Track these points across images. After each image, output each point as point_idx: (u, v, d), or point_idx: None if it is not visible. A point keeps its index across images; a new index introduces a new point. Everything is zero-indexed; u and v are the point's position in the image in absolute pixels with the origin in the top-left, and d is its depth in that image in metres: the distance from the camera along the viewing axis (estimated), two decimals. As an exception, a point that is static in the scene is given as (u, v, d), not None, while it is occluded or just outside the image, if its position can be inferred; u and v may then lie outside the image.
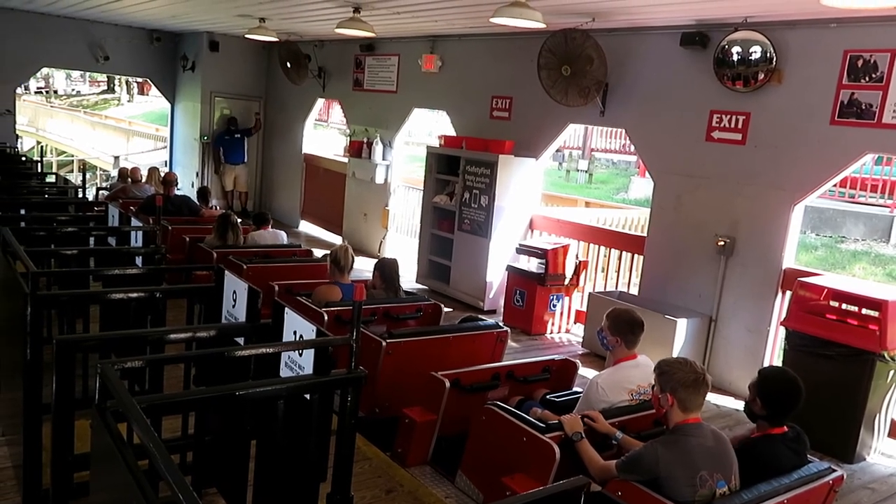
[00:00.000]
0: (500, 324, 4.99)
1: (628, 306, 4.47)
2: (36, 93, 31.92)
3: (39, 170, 8.93)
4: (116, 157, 11.57)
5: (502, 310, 7.70)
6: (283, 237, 7.60)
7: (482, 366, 4.33)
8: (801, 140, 5.68)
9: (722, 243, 6.12)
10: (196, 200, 9.07)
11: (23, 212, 5.52)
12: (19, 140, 11.74)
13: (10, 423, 3.68)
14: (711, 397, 5.96)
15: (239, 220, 7.07)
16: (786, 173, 5.78)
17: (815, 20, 5.49)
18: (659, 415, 3.16)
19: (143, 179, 10.25)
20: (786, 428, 3.25)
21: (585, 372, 6.28)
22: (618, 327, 3.81)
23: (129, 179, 9.96)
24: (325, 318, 4.54)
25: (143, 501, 1.66)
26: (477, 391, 4.09)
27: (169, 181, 9.00)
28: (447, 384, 3.96)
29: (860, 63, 5.30)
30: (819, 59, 5.54)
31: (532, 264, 7.46)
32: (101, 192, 6.58)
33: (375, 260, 9.95)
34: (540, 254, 7.28)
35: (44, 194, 6.92)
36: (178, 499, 1.53)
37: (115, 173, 11.23)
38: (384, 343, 4.32)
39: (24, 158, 9.80)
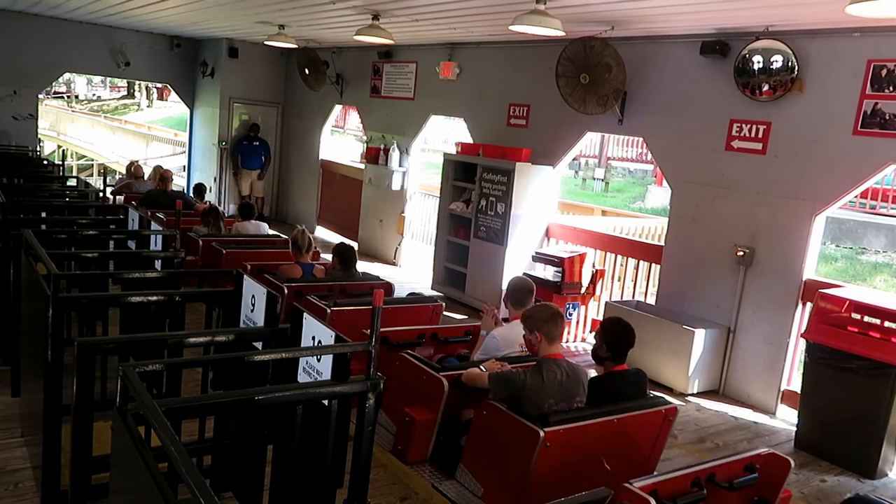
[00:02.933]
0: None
1: (523, 277, 5.19)
2: (56, 97, 32.33)
3: (61, 173, 9.05)
4: (130, 163, 12.03)
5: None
6: (265, 228, 8.20)
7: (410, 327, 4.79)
8: (822, 150, 5.62)
9: (741, 253, 6.06)
10: (193, 196, 9.66)
11: (44, 214, 5.58)
12: (41, 144, 11.88)
13: (29, 425, 3.71)
14: (729, 409, 5.90)
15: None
16: (807, 184, 5.72)
17: (837, 29, 5.44)
18: (533, 353, 3.86)
19: (146, 176, 10.52)
20: (626, 367, 3.86)
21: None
22: (514, 296, 4.54)
23: (134, 175, 10.37)
24: (286, 290, 5.14)
25: (163, 504, 1.66)
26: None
27: (165, 177, 9.29)
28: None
29: (884, 73, 5.24)
30: (842, 68, 5.49)
31: (548, 272, 7.42)
32: (107, 187, 6.98)
33: (389, 266, 10.02)
34: (556, 262, 7.24)
35: (65, 197, 7.00)
36: (199, 502, 1.53)
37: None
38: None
39: (45, 162, 9.94)
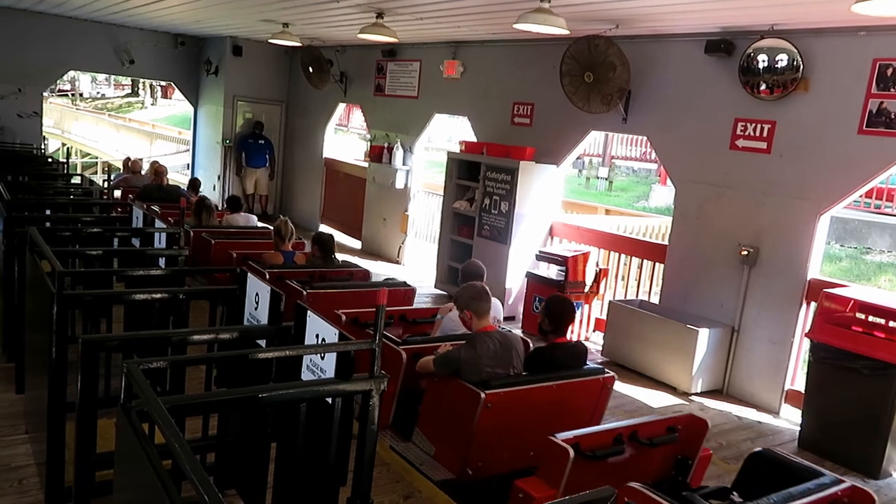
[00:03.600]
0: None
1: (472, 263, 5.65)
2: (60, 95, 32.40)
3: (65, 171, 9.07)
4: (126, 158, 12.42)
5: (521, 317, 7.67)
6: (253, 220, 8.59)
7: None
8: (827, 149, 5.61)
9: (745, 253, 6.05)
10: (187, 190, 9.92)
11: (48, 212, 5.59)
12: (45, 142, 11.91)
13: (34, 421, 3.72)
14: (733, 409, 5.89)
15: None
16: (812, 183, 5.71)
17: (843, 28, 5.42)
18: (468, 328, 4.18)
19: (143, 171, 10.92)
20: (567, 339, 4.21)
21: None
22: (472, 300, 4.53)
23: (131, 170, 10.79)
24: (267, 276, 5.27)
25: (167, 501, 1.66)
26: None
27: (159, 172, 9.64)
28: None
29: (889, 72, 5.22)
30: (847, 67, 5.47)
31: (552, 271, 7.42)
32: (106, 182, 7.34)
33: (393, 265, 10.02)
34: (560, 261, 7.24)
35: (69, 195, 7.02)
36: (203, 499, 1.53)
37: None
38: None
39: (49, 160, 9.96)
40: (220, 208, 9.41)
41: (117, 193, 9.07)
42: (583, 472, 3.12)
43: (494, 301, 4.46)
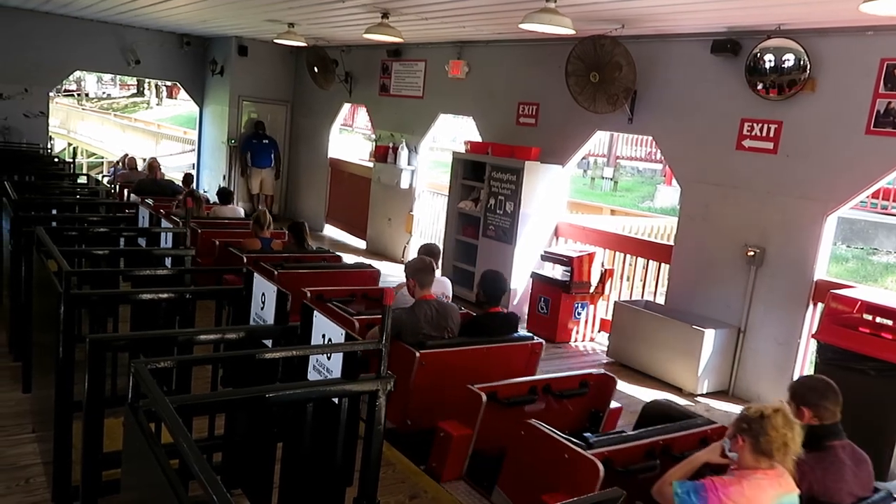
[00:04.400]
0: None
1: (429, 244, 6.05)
2: (66, 95, 32.51)
3: (71, 171, 9.10)
4: (124, 155, 12.98)
5: (526, 317, 7.66)
6: (240, 212, 9.02)
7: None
8: (834, 150, 5.58)
9: (751, 253, 6.03)
10: (182, 185, 10.33)
11: (54, 212, 5.61)
12: (51, 141, 11.96)
13: (41, 420, 3.73)
14: (738, 410, 5.84)
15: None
16: (818, 183, 5.69)
17: (850, 28, 5.40)
18: (413, 296, 4.58)
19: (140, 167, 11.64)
20: (500, 309, 4.70)
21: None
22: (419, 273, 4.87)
23: (128, 167, 11.57)
24: (245, 259, 5.87)
25: (174, 500, 1.66)
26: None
27: (153, 166, 10.42)
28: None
29: (897, 72, 5.20)
30: (854, 67, 5.44)
31: (557, 272, 7.41)
32: (104, 177, 7.72)
33: (398, 265, 10.02)
34: (565, 261, 7.22)
35: (75, 195, 7.04)
36: (212, 499, 1.53)
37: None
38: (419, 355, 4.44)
39: (56, 160, 9.99)
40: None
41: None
42: (499, 419, 3.68)
43: (444, 279, 5.56)
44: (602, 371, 4.33)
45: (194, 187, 10.29)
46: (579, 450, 3.09)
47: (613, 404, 4.28)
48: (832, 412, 3.03)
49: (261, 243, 6.64)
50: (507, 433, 3.49)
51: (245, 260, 5.80)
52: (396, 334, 4.27)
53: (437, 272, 5.31)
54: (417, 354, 4.14)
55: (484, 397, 3.63)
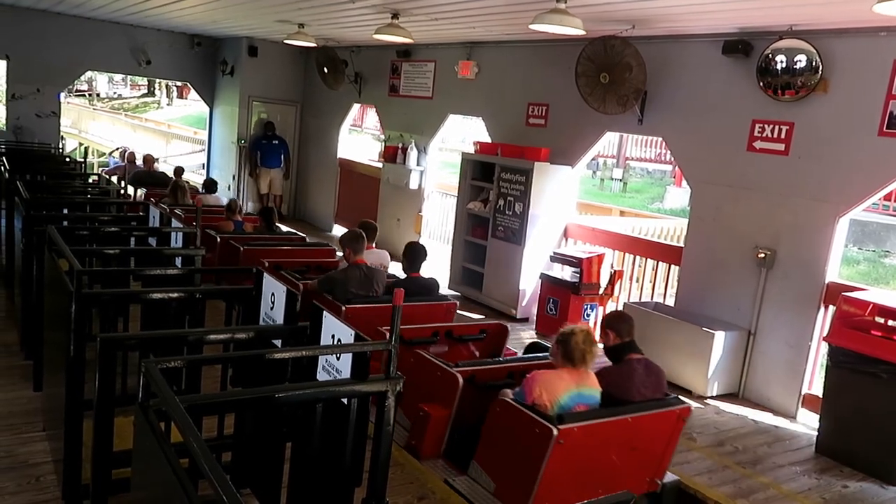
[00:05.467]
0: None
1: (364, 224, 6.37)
2: (78, 95, 32.71)
3: (82, 170, 9.15)
4: (123, 149, 13.98)
5: (535, 318, 7.65)
6: (223, 200, 9.56)
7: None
8: (847, 151, 5.54)
9: (762, 255, 5.99)
10: (172, 176, 10.86)
11: (65, 211, 5.64)
12: (63, 141, 12.04)
13: (51, 419, 3.75)
14: (749, 412, 5.83)
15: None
16: (830, 185, 5.65)
17: (863, 28, 5.35)
18: (348, 261, 5.48)
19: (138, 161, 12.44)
20: (419, 275, 5.60)
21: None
22: (351, 241, 5.60)
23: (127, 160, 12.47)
24: (219, 240, 6.62)
25: (184, 499, 1.66)
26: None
27: (149, 161, 11.41)
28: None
29: (911, 73, 5.16)
30: (867, 68, 5.40)
31: (566, 273, 7.39)
32: (102, 170, 8.35)
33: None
34: (574, 262, 7.21)
35: (86, 194, 7.07)
36: (222, 498, 1.53)
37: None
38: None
39: (67, 159, 10.04)
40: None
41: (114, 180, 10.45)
42: (405, 358, 4.09)
43: (383, 252, 6.56)
44: (498, 322, 5.33)
45: (183, 178, 10.86)
46: (447, 368, 3.99)
47: (508, 348, 5.14)
48: (629, 334, 4.07)
49: (234, 225, 7.57)
50: (406, 368, 3.83)
51: (219, 240, 6.55)
52: (329, 291, 5.21)
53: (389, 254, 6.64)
54: (343, 308, 4.97)
55: (388, 335, 3.92)
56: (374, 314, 4.84)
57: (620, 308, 7.10)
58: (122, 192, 7.45)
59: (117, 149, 17.09)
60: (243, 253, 6.49)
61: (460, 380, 4.01)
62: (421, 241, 6.28)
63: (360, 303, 5.14)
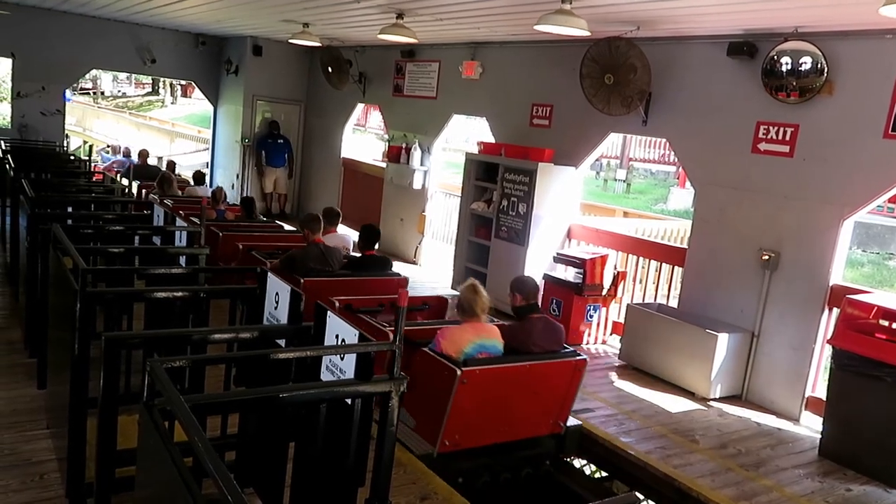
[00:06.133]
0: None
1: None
2: (82, 93, 32.76)
3: (87, 169, 9.16)
4: (118, 145, 14.62)
5: (538, 319, 7.63)
6: (209, 192, 9.90)
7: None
8: (852, 154, 5.53)
9: (766, 257, 5.98)
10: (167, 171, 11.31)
11: (70, 209, 5.64)
12: (67, 139, 12.08)
13: (55, 417, 3.76)
14: (752, 415, 5.82)
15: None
16: (835, 187, 5.63)
17: (869, 31, 5.34)
18: (307, 241, 6.10)
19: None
20: (375, 252, 6.34)
21: (622, 385, 6.21)
22: (308, 223, 6.27)
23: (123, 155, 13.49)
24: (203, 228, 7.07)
25: (188, 498, 1.66)
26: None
27: (143, 155, 12.12)
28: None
29: (916, 75, 5.14)
30: (873, 70, 5.39)
31: (569, 273, 7.38)
32: (92, 162, 9.60)
33: (410, 265, 10.03)
34: (578, 263, 7.20)
35: (90, 193, 7.08)
36: (226, 497, 1.53)
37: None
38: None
39: (72, 157, 10.06)
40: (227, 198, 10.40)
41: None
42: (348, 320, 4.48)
43: (346, 236, 7.26)
44: (439, 296, 5.97)
45: (174, 172, 11.59)
46: (382, 328, 4.76)
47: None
48: (533, 296, 4.69)
49: (216, 213, 8.22)
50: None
51: (203, 229, 7.09)
52: (290, 266, 5.74)
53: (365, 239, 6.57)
54: (302, 281, 5.49)
55: (337, 304, 4.81)
56: (329, 286, 5.53)
57: (624, 309, 7.11)
58: (127, 190, 7.51)
59: (109, 146, 17.97)
60: (222, 238, 6.98)
61: (391, 336, 4.50)
62: (373, 224, 6.95)
63: (316, 276, 5.74)
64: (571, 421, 4.83)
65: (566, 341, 7.03)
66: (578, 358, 4.59)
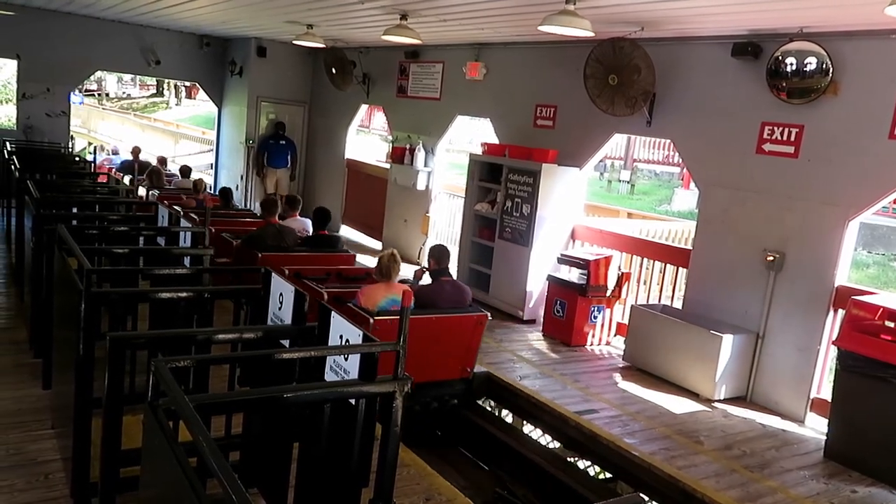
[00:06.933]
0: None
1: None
2: (87, 95, 32.84)
3: (91, 170, 9.19)
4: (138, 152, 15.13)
5: (542, 320, 7.63)
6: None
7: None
8: (857, 154, 5.52)
9: (771, 258, 5.97)
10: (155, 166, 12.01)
11: (75, 210, 5.66)
12: (72, 141, 12.12)
13: (60, 417, 3.77)
14: (756, 416, 5.81)
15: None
16: (840, 188, 5.62)
17: (875, 31, 5.33)
18: (267, 222, 7.05)
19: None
20: (326, 232, 7.26)
21: (626, 385, 6.20)
22: (266, 207, 7.38)
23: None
24: (182, 212, 7.27)
25: (193, 498, 1.67)
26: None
27: (135, 152, 12.46)
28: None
29: (922, 76, 5.13)
30: (878, 71, 5.38)
31: (573, 275, 7.37)
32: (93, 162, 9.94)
33: (414, 266, 10.02)
34: (582, 264, 7.19)
35: (95, 193, 7.11)
36: (231, 497, 1.54)
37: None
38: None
39: (77, 158, 10.09)
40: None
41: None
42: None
43: (305, 220, 7.87)
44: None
45: (164, 166, 12.25)
46: (317, 289, 5.47)
47: None
48: (444, 262, 5.66)
49: (196, 203, 8.78)
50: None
51: (182, 212, 7.64)
52: (251, 244, 6.59)
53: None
54: (259, 255, 6.26)
55: (287, 271, 5.47)
56: (283, 259, 6.28)
57: (628, 310, 7.10)
58: (134, 192, 7.74)
59: (98, 146, 19.30)
60: (198, 222, 7.77)
61: (325, 295, 5.43)
62: (325, 206, 7.91)
63: (272, 251, 6.51)
64: (478, 368, 5.74)
65: (571, 342, 7.37)
66: (480, 313, 5.45)
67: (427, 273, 5.92)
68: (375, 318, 4.88)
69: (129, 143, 17.84)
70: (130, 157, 12.64)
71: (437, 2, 6.65)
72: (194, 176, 11.10)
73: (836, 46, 5.52)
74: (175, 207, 7.69)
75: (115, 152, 15.07)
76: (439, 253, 5.71)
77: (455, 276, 8.90)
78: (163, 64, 12.22)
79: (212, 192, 11.43)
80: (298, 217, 8.01)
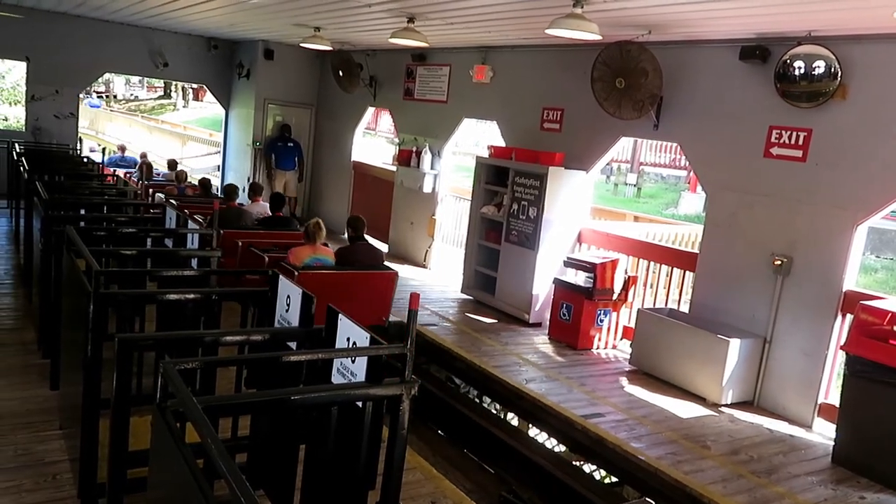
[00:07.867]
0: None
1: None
2: (97, 97, 33.00)
3: (99, 171, 9.22)
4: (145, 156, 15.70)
5: (548, 323, 7.62)
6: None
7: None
8: (865, 158, 5.49)
9: (778, 262, 5.95)
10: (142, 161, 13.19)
11: (83, 211, 5.68)
12: (80, 142, 12.18)
13: (68, 417, 3.78)
14: (763, 421, 5.78)
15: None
16: (848, 192, 5.60)
17: (883, 35, 5.31)
18: (229, 206, 7.87)
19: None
20: (281, 214, 8.24)
21: (632, 389, 6.18)
22: (227, 193, 8.51)
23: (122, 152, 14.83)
24: (164, 198, 7.98)
25: (201, 499, 1.67)
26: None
27: (122, 148, 14.05)
28: None
29: (931, 80, 5.10)
30: (887, 74, 5.36)
31: (580, 278, 7.36)
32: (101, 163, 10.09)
33: (420, 269, 10.03)
34: (588, 268, 7.18)
35: (103, 195, 7.13)
36: (238, 498, 1.54)
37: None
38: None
39: (85, 160, 10.14)
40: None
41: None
42: (242, 248, 6.73)
43: (265, 204, 8.69)
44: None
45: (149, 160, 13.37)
46: (260, 254, 6.57)
47: None
48: (360, 229, 6.69)
49: (177, 190, 9.72)
50: (246, 255, 6.91)
51: (164, 199, 7.99)
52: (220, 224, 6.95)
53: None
54: (221, 232, 6.31)
55: (240, 243, 6.82)
56: (240, 235, 7.10)
57: (634, 314, 7.08)
58: (141, 194, 7.94)
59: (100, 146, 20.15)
60: (178, 207, 9.01)
61: (266, 259, 6.53)
62: (280, 192, 9.19)
63: (233, 230, 7.17)
64: (393, 317, 6.60)
65: (577, 346, 7.35)
66: (390, 271, 6.54)
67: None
68: (301, 271, 5.90)
69: (135, 146, 18.41)
70: (138, 159, 13.47)
71: (444, 5, 6.66)
72: (198, 176, 11.80)
73: (844, 50, 5.50)
74: (158, 194, 9.25)
75: (122, 149, 15.68)
76: (356, 222, 6.76)
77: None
78: (171, 66, 12.28)
79: (217, 193, 11.47)
80: (261, 202, 8.99)
